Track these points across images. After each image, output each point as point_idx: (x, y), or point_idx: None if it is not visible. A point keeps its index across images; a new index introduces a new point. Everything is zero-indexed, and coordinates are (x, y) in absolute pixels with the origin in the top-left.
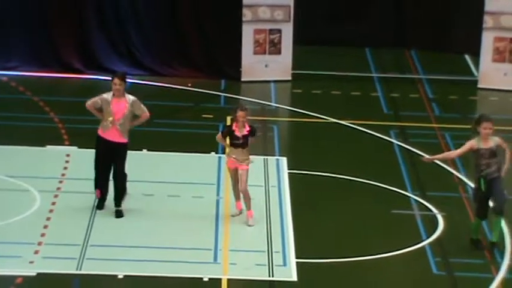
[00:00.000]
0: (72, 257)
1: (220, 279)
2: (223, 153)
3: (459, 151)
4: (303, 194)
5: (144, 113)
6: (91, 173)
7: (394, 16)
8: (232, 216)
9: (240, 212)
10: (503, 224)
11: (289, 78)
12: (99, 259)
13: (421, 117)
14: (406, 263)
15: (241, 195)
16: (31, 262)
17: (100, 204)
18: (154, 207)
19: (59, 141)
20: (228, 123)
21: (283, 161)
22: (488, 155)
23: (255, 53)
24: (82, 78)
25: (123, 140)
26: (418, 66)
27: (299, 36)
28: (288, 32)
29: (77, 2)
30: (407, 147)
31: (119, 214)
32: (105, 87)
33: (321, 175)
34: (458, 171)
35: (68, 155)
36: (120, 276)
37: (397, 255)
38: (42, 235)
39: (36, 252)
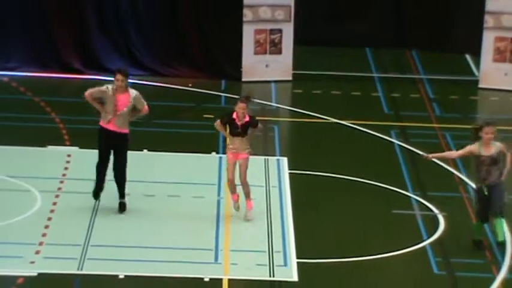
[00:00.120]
0: (73, 257)
1: (221, 280)
2: (224, 153)
3: (460, 152)
4: (304, 194)
5: (144, 106)
6: (92, 174)
7: (395, 16)
8: (236, 210)
9: (238, 201)
10: (504, 224)
11: (290, 78)
12: (100, 259)
13: (421, 117)
14: (407, 263)
15: (240, 187)
16: (32, 262)
17: (96, 193)
18: (155, 207)
19: (59, 142)
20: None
21: (284, 161)
22: (489, 162)
23: (256, 53)
24: (82, 78)
25: (124, 130)
26: (419, 66)
27: (300, 36)
28: (288, 32)
29: (77, 2)
30: (408, 147)
31: (122, 206)
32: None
33: (321, 175)
34: (459, 171)
35: (68, 155)
36: (121, 276)
37: (397, 255)
38: (43, 235)
39: (37, 252)
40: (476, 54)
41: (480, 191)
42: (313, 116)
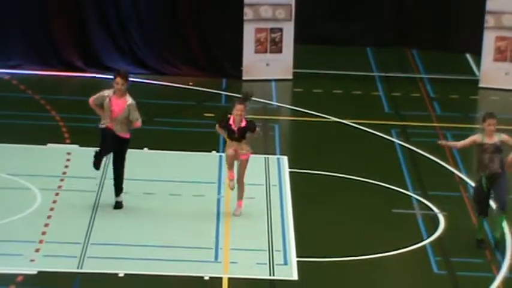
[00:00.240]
0: (73, 256)
1: (221, 278)
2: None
3: (463, 143)
4: (304, 193)
5: (137, 121)
6: (92, 172)
7: (396, 15)
8: (231, 189)
9: (234, 180)
10: (505, 223)
11: (291, 77)
12: (100, 257)
13: (422, 117)
14: (407, 262)
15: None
16: (32, 260)
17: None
18: (156, 205)
19: (60, 140)
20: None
21: (284, 160)
22: (492, 149)
23: (256, 51)
24: (83, 76)
25: (125, 135)
26: (420, 66)
27: (300, 35)
28: (289, 31)
29: (77, 1)
30: (408, 147)
31: (118, 205)
32: (106, 85)
33: (321, 174)
34: (459, 170)
35: (69, 154)
36: (121, 275)
37: (398, 254)
38: (43, 233)
39: (37, 250)
40: (477, 54)
41: (480, 184)
42: (314, 115)
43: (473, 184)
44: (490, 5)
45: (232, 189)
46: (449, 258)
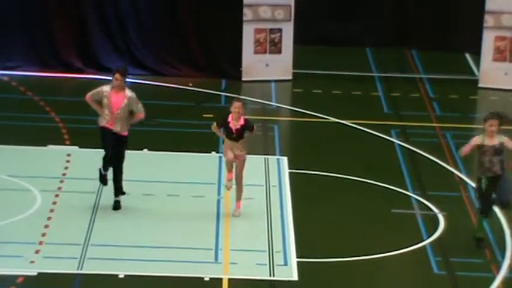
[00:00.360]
0: (73, 257)
1: (221, 279)
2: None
3: (468, 148)
4: (304, 194)
5: (140, 112)
6: (92, 173)
7: (395, 16)
8: (228, 189)
9: (231, 181)
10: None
11: (290, 77)
12: (100, 259)
13: (421, 117)
14: (407, 262)
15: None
16: (32, 262)
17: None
18: (155, 206)
19: (59, 141)
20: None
21: (284, 160)
22: (492, 152)
23: (256, 52)
24: (82, 77)
25: (123, 133)
26: (419, 66)
27: (300, 35)
28: (288, 32)
29: (77, 2)
30: (408, 147)
31: (116, 205)
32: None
33: (321, 175)
34: (459, 170)
35: (68, 155)
36: (121, 276)
37: (397, 254)
38: (43, 235)
39: (37, 251)
40: (476, 54)
41: (480, 185)
42: (313, 115)
43: (473, 184)
44: (489, 5)
45: (229, 189)
46: (449, 258)
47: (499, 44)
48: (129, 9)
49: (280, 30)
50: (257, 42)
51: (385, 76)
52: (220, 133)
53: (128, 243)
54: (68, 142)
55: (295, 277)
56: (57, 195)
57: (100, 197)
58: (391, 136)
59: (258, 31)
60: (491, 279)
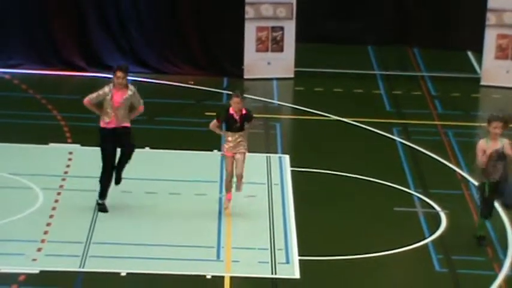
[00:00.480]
0: (75, 255)
1: (223, 277)
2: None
3: (484, 159)
4: (306, 192)
5: (140, 105)
6: (94, 171)
7: (396, 14)
8: (225, 208)
9: (230, 202)
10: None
11: (292, 75)
12: (102, 257)
13: (423, 115)
14: (409, 260)
15: (234, 180)
16: (34, 260)
17: (101, 206)
18: (157, 205)
19: (61, 139)
20: None
21: (286, 158)
22: (496, 157)
23: (258, 50)
24: (84, 76)
25: (126, 124)
26: (421, 64)
27: (301, 33)
28: (290, 30)
29: (77, 2)
30: (409, 145)
31: (117, 181)
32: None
33: (323, 173)
34: (460, 168)
35: (70, 153)
36: (123, 274)
37: (399, 252)
38: (45, 233)
39: (39, 249)
40: (478, 52)
41: (481, 188)
42: (315, 113)
43: (475, 183)
44: (491, 3)
45: (225, 209)
46: (451, 256)
47: (501, 42)
48: (129, 9)
49: (282, 28)
50: (259, 40)
51: (387, 74)
52: (220, 130)
53: (130, 241)
54: (69, 140)
55: (297, 275)
56: (59, 194)
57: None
58: (393, 134)
59: (259, 29)
60: (493, 278)
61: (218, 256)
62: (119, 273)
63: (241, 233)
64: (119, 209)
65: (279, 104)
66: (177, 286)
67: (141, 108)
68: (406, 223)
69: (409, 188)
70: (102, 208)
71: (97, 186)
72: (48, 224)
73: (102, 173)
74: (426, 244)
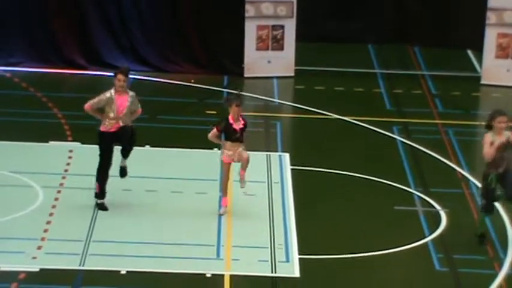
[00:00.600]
0: (75, 253)
1: (223, 275)
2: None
3: (492, 151)
4: (306, 190)
5: (138, 109)
6: (94, 169)
7: (396, 13)
8: (221, 214)
9: (226, 207)
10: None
11: (292, 74)
12: (102, 255)
13: (424, 114)
14: (409, 259)
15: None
16: (34, 258)
17: (101, 205)
18: (157, 203)
19: (61, 137)
20: None
21: (286, 157)
22: (503, 148)
23: (258, 49)
24: (85, 74)
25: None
26: (421, 62)
27: (302, 32)
28: (291, 28)
29: (77, 2)
30: (410, 144)
31: (122, 171)
32: (108, 83)
33: (323, 171)
34: (461, 167)
35: (70, 151)
36: (123, 272)
37: (399, 251)
38: (45, 231)
39: (39, 247)
40: (479, 51)
41: (487, 181)
42: (315, 112)
43: (475, 181)
44: (491, 2)
45: (222, 214)
46: (451, 255)
47: (501, 41)
48: (131, 8)
49: (282, 26)
50: (259, 38)
51: (387, 73)
52: (219, 140)
53: (130, 239)
54: (70, 138)
55: (297, 274)
56: (59, 192)
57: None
58: (393, 133)
59: (260, 28)
60: (494, 276)
61: (218, 254)
62: (118, 271)
63: (241, 232)
64: (119, 207)
65: (279, 103)
66: (177, 284)
67: (138, 111)
68: (406, 222)
69: (409, 187)
70: (102, 207)
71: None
72: (48, 222)
73: (98, 170)
74: (426, 243)
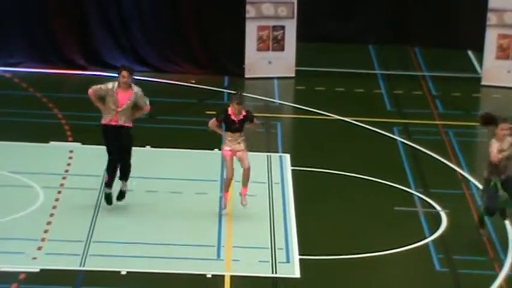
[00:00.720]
0: (76, 254)
1: (223, 276)
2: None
3: (498, 156)
4: (306, 191)
5: (146, 105)
6: (94, 169)
7: (397, 13)
8: (222, 209)
9: (226, 202)
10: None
11: (293, 74)
12: (103, 255)
13: (424, 114)
14: (409, 260)
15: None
16: (34, 258)
17: (108, 198)
18: (158, 203)
19: (62, 138)
20: None
21: (287, 157)
22: (508, 156)
23: (259, 49)
24: (85, 74)
25: (128, 124)
26: (422, 63)
27: (303, 32)
28: (291, 29)
29: (77, 2)
30: (410, 144)
31: (120, 195)
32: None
33: (324, 172)
34: (461, 168)
35: (71, 151)
36: (123, 273)
37: (400, 252)
38: (46, 231)
39: (39, 248)
40: (479, 52)
41: (493, 186)
42: (316, 112)
43: (475, 182)
44: (491, 3)
45: (223, 209)
46: (452, 255)
47: (502, 42)
48: (131, 6)
49: (283, 27)
50: (260, 39)
51: (388, 74)
52: (219, 129)
53: (130, 240)
54: (70, 139)
55: (297, 274)
56: (59, 192)
57: (102, 193)
58: (393, 134)
59: (261, 28)
60: (494, 277)
61: (218, 255)
62: (119, 272)
63: (241, 232)
64: (119, 207)
65: (279, 103)
66: (178, 285)
67: (146, 108)
68: (406, 222)
69: (409, 188)
70: (107, 197)
71: (97, 185)
72: (49, 223)
73: (108, 162)
74: (427, 244)
